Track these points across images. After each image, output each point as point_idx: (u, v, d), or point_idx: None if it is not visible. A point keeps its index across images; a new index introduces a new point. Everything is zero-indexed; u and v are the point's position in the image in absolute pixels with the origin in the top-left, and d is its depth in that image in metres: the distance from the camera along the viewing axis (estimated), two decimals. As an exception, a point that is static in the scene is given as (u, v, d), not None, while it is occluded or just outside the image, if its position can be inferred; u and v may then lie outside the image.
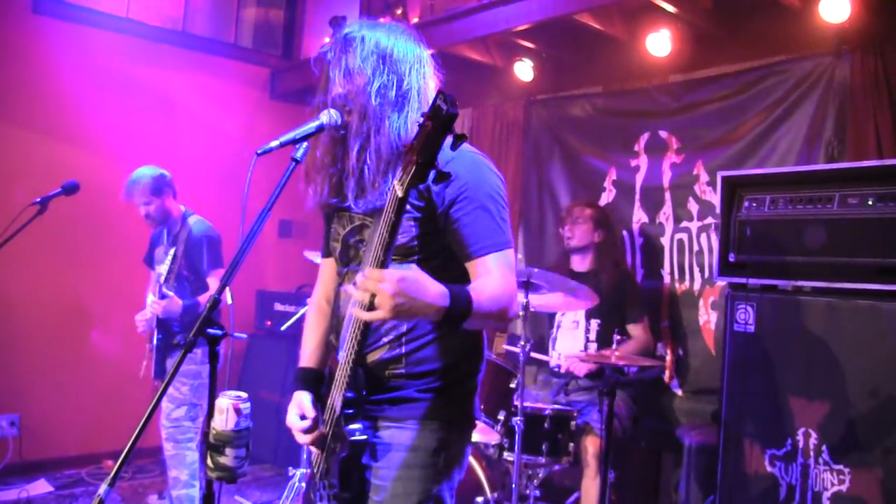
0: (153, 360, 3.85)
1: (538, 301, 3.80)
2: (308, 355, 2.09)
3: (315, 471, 1.98)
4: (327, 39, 1.91)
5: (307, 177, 1.94)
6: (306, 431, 1.88)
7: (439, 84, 1.92)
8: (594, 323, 4.05)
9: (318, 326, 2.13)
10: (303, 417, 1.90)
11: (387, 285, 1.48)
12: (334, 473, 1.86)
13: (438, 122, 1.43)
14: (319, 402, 1.95)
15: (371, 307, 1.54)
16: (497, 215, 1.80)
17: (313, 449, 1.97)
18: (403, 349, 1.84)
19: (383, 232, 1.57)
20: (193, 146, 5.60)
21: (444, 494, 1.87)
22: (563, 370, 3.96)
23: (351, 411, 1.82)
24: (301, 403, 1.92)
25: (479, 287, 1.68)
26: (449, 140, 1.49)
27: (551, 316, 4.26)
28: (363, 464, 1.85)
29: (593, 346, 4.03)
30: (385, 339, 1.85)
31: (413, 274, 1.53)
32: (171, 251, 3.85)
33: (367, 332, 1.73)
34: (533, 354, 4.08)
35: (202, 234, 3.94)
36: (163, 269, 3.83)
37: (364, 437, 1.82)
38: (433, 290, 1.55)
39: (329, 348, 2.08)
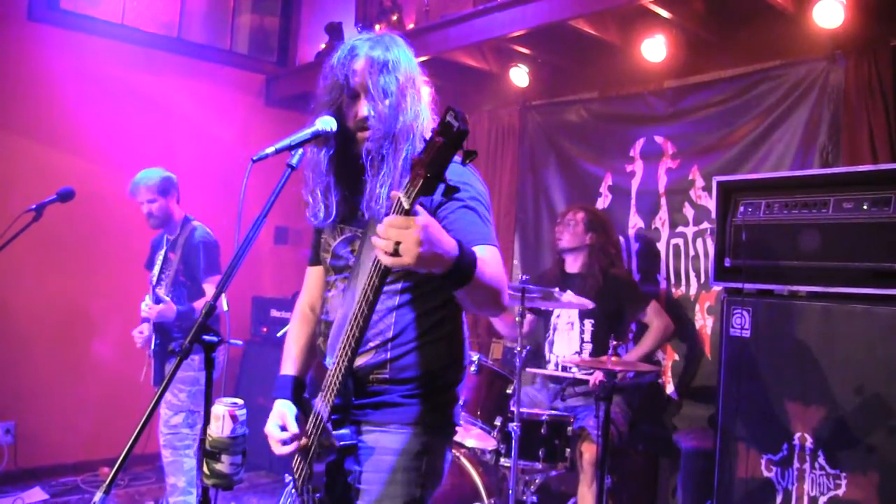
0: (153, 367, 3.85)
1: (535, 303, 3.82)
2: (290, 362, 2.09)
3: (297, 476, 1.98)
4: (323, 45, 1.92)
5: (312, 198, 1.95)
6: (285, 443, 1.88)
7: (432, 93, 1.94)
8: (588, 324, 4.06)
9: (301, 334, 2.14)
10: (283, 429, 1.90)
11: (416, 231, 1.43)
12: (320, 478, 1.86)
13: (449, 139, 1.42)
14: (301, 409, 1.95)
15: (394, 255, 1.47)
16: (483, 216, 1.81)
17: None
18: (388, 354, 1.86)
19: None
20: (189, 152, 5.60)
21: (426, 498, 1.89)
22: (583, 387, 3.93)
23: (336, 417, 1.82)
24: (283, 415, 1.92)
25: (480, 258, 1.65)
26: (458, 157, 1.48)
27: (546, 319, 4.26)
28: (346, 468, 1.86)
29: (588, 347, 4.03)
30: (371, 344, 1.86)
31: (432, 220, 1.49)
32: (161, 253, 3.84)
33: (362, 338, 1.72)
34: (530, 370, 4.09)
35: (200, 240, 3.94)
36: (155, 270, 3.82)
37: (352, 442, 1.83)
38: (447, 240, 1.51)
39: (312, 355, 2.09)
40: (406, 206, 1.47)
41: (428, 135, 1.81)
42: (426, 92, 1.91)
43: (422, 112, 1.86)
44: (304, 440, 1.88)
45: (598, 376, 3.82)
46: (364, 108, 1.84)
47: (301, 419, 1.92)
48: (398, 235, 1.44)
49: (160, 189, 3.91)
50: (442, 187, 1.48)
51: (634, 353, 4.04)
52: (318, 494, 1.87)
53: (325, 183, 1.93)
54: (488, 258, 1.71)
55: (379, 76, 1.83)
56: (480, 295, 1.67)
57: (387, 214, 1.50)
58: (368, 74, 1.83)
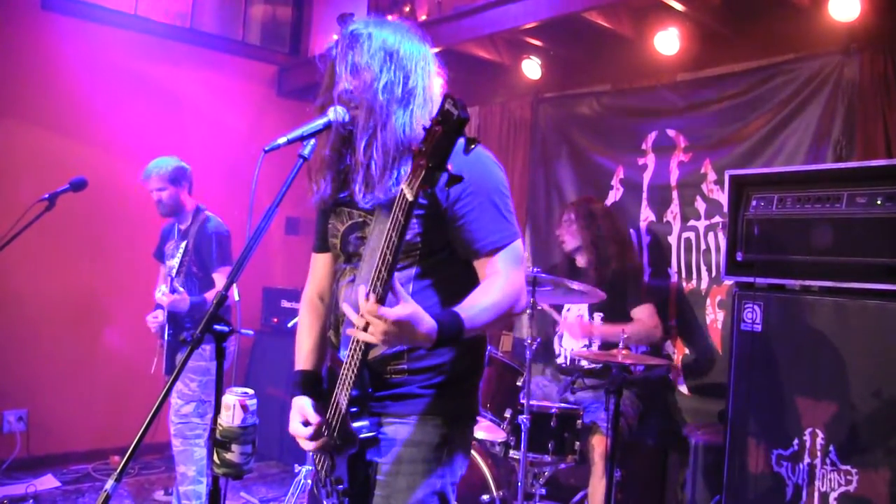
0: (164, 356, 3.87)
1: (546, 297, 3.80)
2: (304, 357, 2.07)
3: (319, 468, 1.97)
4: (335, 37, 1.91)
5: (311, 173, 1.94)
6: (311, 438, 1.86)
7: (444, 82, 1.92)
8: (597, 317, 4.04)
9: (312, 326, 2.11)
10: (305, 423, 1.89)
11: (380, 325, 1.55)
12: (343, 470, 1.86)
13: (449, 127, 1.40)
14: (320, 401, 1.94)
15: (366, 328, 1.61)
16: (503, 208, 1.81)
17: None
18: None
19: (392, 235, 1.54)
20: (200, 143, 5.61)
21: (447, 489, 1.87)
22: (568, 359, 3.87)
23: (355, 409, 1.81)
24: (303, 409, 1.90)
25: (478, 297, 1.72)
26: (461, 144, 1.46)
27: (557, 313, 4.25)
28: (368, 460, 1.85)
29: (597, 341, 4.02)
30: None
31: (406, 316, 1.55)
32: (183, 244, 3.87)
33: None
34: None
35: (212, 230, 3.96)
36: (174, 262, 3.85)
37: (372, 433, 1.82)
38: (422, 330, 1.58)
39: (326, 346, 2.07)
40: (410, 198, 1.48)
41: (420, 122, 1.78)
42: (426, 78, 1.84)
43: (417, 95, 1.80)
44: (325, 434, 1.87)
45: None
46: (341, 83, 1.83)
47: (320, 408, 1.91)
48: (370, 320, 1.56)
49: (171, 178, 3.93)
50: (445, 177, 1.47)
51: (609, 328, 3.93)
52: (340, 486, 1.86)
53: (329, 163, 1.91)
54: (499, 276, 1.76)
55: (351, 51, 1.82)
56: (485, 330, 1.77)
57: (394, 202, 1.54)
58: (343, 49, 1.83)
